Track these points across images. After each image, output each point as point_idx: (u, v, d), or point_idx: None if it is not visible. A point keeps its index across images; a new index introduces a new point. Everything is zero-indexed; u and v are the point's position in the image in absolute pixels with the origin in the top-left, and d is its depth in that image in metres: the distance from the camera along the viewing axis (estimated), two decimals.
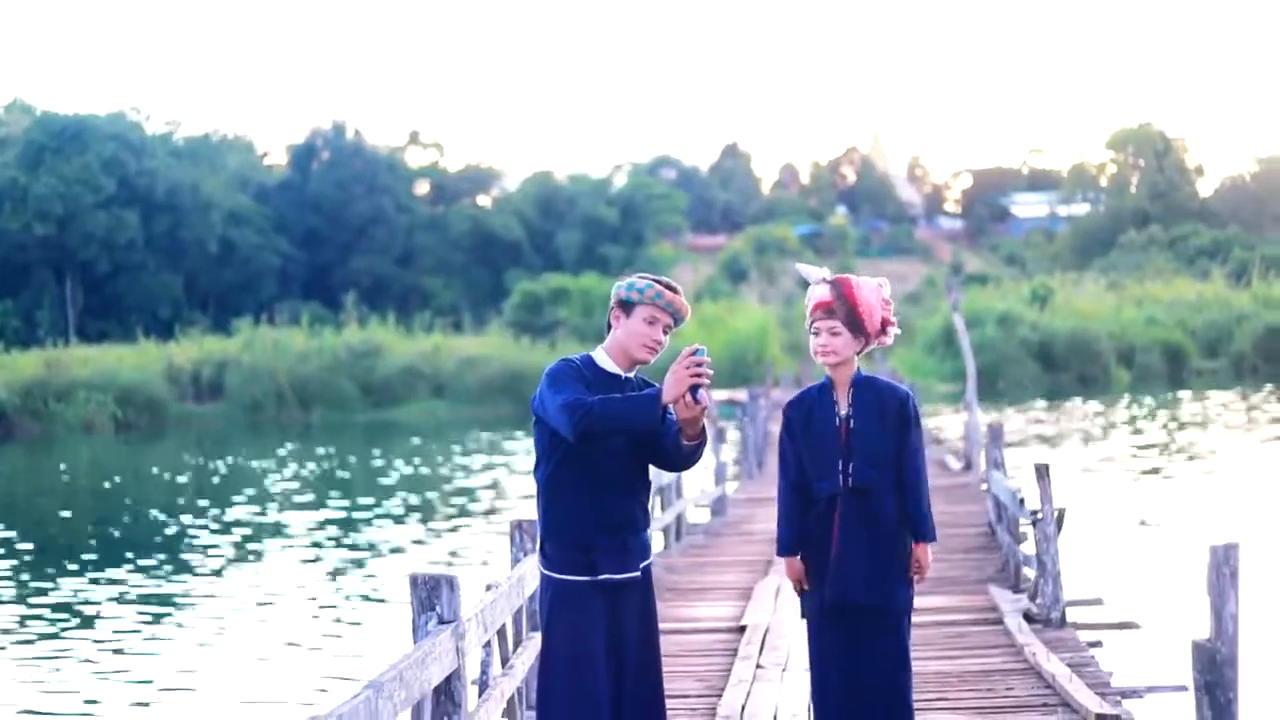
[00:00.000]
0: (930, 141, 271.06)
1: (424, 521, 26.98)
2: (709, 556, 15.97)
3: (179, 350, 64.87)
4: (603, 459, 5.96)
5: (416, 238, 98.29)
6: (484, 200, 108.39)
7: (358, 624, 17.21)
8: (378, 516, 27.97)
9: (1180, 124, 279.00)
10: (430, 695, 6.35)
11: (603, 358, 6.09)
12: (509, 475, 35.22)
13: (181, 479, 37.74)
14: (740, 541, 16.96)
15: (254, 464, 41.41)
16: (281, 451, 45.84)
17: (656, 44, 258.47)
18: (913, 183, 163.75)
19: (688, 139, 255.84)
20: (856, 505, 6.63)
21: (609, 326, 6.13)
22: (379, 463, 40.75)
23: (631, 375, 6.10)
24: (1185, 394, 56.15)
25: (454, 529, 25.29)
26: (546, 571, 6.13)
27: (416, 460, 41.17)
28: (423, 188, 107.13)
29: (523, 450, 42.04)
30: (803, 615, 6.88)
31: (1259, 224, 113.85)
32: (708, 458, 20.97)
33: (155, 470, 40.98)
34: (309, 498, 32.15)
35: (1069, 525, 17.48)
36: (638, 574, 6.10)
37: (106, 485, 37.06)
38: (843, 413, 6.66)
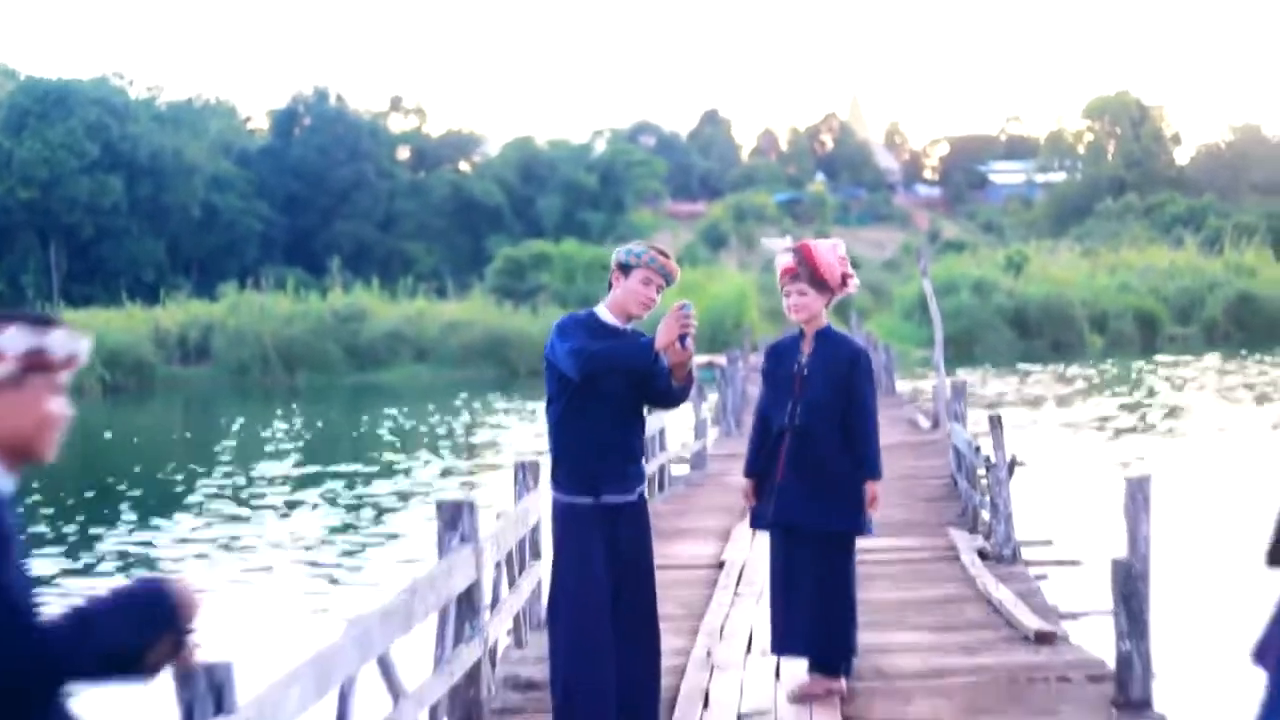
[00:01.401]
0: (909, 109, 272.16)
1: (442, 473, 28.21)
2: (690, 504, 17.03)
3: (165, 314, 65.68)
4: (605, 398, 6.99)
5: (398, 203, 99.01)
6: (465, 166, 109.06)
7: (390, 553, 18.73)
8: (393, 471, 29.14)
9: (1157, 92, 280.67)
10: (454, 602, 7.42)
11: (604, 313, 7.11)
12: (507, 430, 36.39)
13: (190, 435, 38.67)
14: (719, 491, 18.01)
15: (262, 424, 42.39)
16: (280, 411, 46.85)
17: (637, 10, 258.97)
18: (891, 150, 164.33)
19: (667, 105, 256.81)
20: (799, 442, 7.84)
21: (610, 286, 7.16)
22: (389, 422, 41.81)
23: (628, 328, 7.12)
24: (1164, 358, 57.26)
25: (469, 473, 26.81)
26: (557, 494, 7.16)
27: (429, 417, 42.26)
28: (404, 153, 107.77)
29: (517, 410, 43.16)
30: (750, 526, 8.28)
31: (1235, 191, 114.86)
32: (689, 415, 22.06)
33: (167, 430, 41.86)
34: (325, 453, 33.21)
35: (1031, 476, 18.61)
36: (634, 498, 7.15)
37: (108, 438, 38.00)
38: (802, 361, 7.76)
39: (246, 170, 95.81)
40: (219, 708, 4.59)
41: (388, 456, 31.94)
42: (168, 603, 3.37)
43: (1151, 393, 42.68)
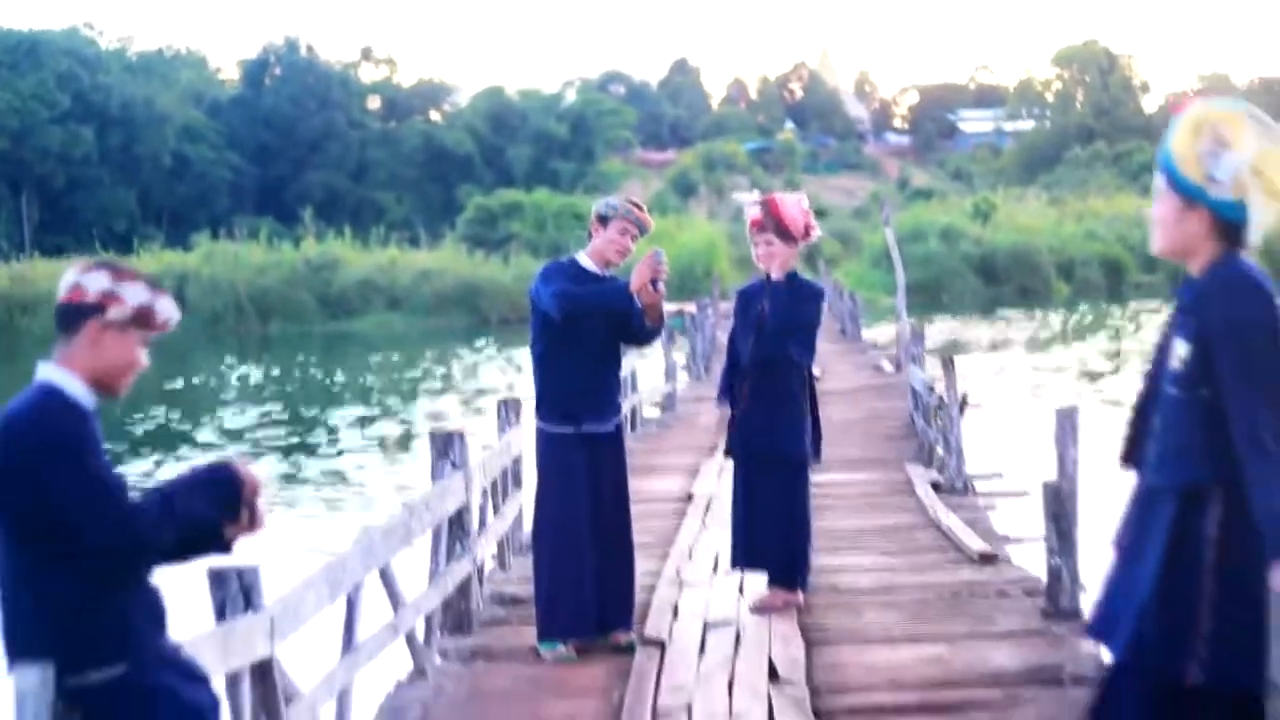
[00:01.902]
0: (878, 58, 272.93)
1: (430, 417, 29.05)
2: (661, 443, 17.79)
3: (139, 264, 65.83)
4: (584, 337, 7.76)
5: (369, 153, 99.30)
6: (436, 116, 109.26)
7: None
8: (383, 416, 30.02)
9: (1125, 41, 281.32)
10: (446, 523, 8.18)
11: (585, 260, 7.90)
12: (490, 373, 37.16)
13: (180, 384, 39.28)
14: (688, 431, 18.78)
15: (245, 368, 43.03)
16: (264, 359, 47.51)
17: None
18: (861, 99, 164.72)
19: (637, 54, 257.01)
20: (761, 375, 8.60)
21: (590, 236, 7.94)
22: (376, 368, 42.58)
23: (607, 274, 7.88)
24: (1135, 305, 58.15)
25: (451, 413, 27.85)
26: (541, 425, 7.93)
27: (417, 363, 43.07)
28: (375, 103, 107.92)
29: (490, 357, 43.95)
30: (724, 454, 9.01)
31: None
32: (660, 359, 22.81)
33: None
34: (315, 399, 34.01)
35: (988, 415, 19.41)
36: (612, 428, 7.96)
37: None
38: (766, 304, 8.51)
39: (217, 120, 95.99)
40: (248, 605, 5.31)
41: (379, 399, 32.95)
42: (234, 481, 4.13)
43: (1117, 335, 43.60)
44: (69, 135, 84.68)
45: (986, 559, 9.97)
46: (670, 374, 22.57)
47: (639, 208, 8.01)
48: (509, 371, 38.50)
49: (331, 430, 27.93)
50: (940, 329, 46.98)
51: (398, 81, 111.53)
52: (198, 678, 4.30)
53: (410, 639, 7.60)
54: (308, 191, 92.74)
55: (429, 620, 8.12)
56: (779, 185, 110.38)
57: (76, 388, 4.06)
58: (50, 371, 4.07)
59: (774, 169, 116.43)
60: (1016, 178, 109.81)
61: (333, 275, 64.75)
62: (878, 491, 13.53)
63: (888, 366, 27.50)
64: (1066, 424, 8.61)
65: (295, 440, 26.54)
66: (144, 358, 4.18)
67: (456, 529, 8.42)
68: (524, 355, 42.48)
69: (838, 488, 13.54)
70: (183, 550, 4.20)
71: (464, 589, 8.53)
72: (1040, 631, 8.13)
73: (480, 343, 50.32)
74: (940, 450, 14.44)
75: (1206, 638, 4.02)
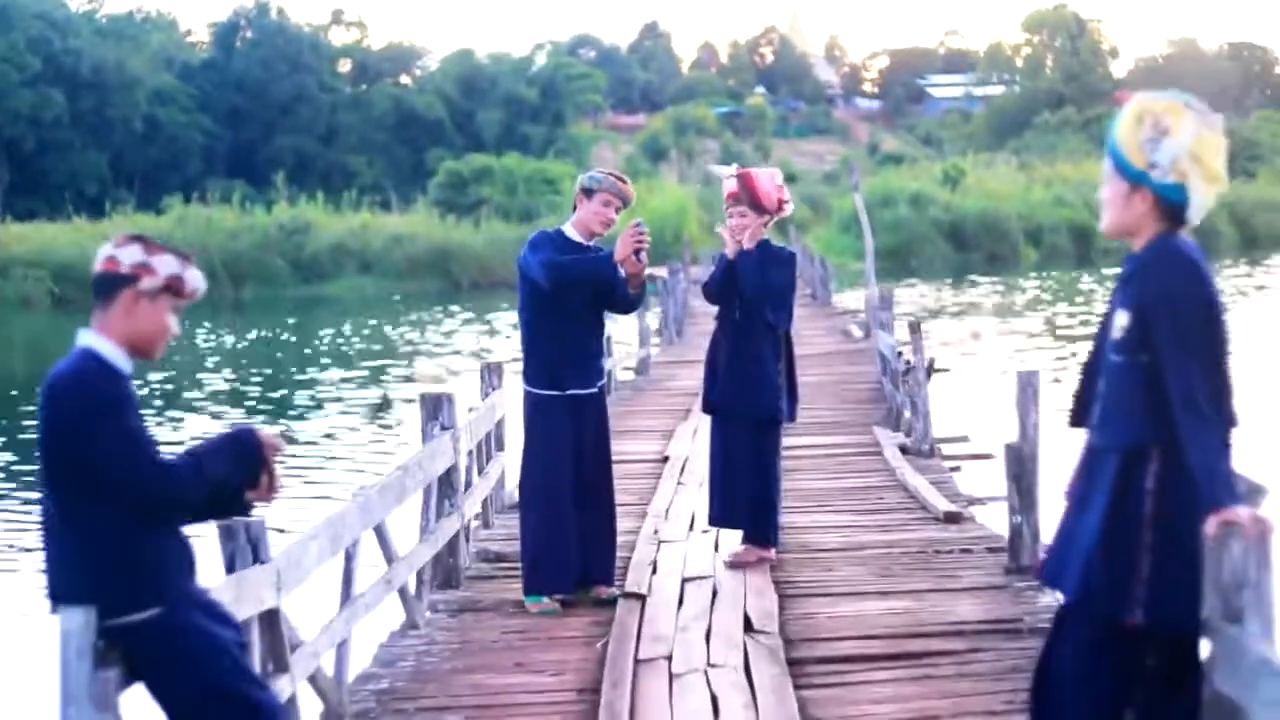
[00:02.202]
0: (848, 22, 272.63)
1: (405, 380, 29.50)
2: (636, 406, 18.18)
3: (113, 227, 65.75)
4: (570, 304, 8.15)
5: (339, 116, 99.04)
6: (406, 79, 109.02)
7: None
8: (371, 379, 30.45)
9: (1095, 6, 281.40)
10: (436, 482, 8.56)
11: (570, 231, 8.28)
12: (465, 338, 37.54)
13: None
14: (662, 395, 19.17)
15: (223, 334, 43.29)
16: (240, 322, 47.73)
17: None
18: (831, 63, 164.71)
19: (607, 18, 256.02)
20: (735, 337, 9.04)
21: (574, 208, 8.32)
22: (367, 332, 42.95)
23: (591, 243, 8.25)
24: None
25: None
26: (528, 388, 8.33)
27: (396, 326, 43.39)
28: (345, 66, 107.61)
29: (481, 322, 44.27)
30: (703, 409, 9.59)
31: None
32: (634, 324, 23.19)
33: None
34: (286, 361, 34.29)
35: (956, 380, 19.83)
36: (595, 390, 8.38)
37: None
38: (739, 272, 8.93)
39: (188, 84, 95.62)
40: (256, 557, 5.67)
41: (364, 363, 33.47)
42: (257, 444, 4.53)
43: (1087, 302, 44.10)
44: (40, 98, 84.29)
45: (951, 518, 10.40)
46: (644, 338, 22.97)
47: (622, 180, 8.40)
48: (487, 337, 38.94)
49: (314, 393, 28.51)
50: (909, 294, 47.47)
51: (368, 45, 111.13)
52: (225, 618, 4.68)
53: (403, 592, 7.98)
54: (278, 155, 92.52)
55: (420, 575, 8.51)
56: (749, 150, 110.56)
57: (113, 352, 4.44)
58: (89, 338, 4.45)
59: (744, 133, 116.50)
60: (986, 143, 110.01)
61: (305, 239, 64.84)
62: (847, 454, 13.95)
63: (857, 332, 27.90)
64: (1027, 387, 9.03)
65: (274, 404, 26.95)
66: (175, 325, 4.56)
67: (445, 488, 8.81)
68: (498, 319, 43.17)
69: (808, 450, 13.95)
70: (209, 509, 4.60)
71: (452, 545, 8.93)
72: (1002, 586, 8.56)
73: (454, 308, 50.68)
74: (908, 414, 14.87)
75: (1146, 583, 4.41)
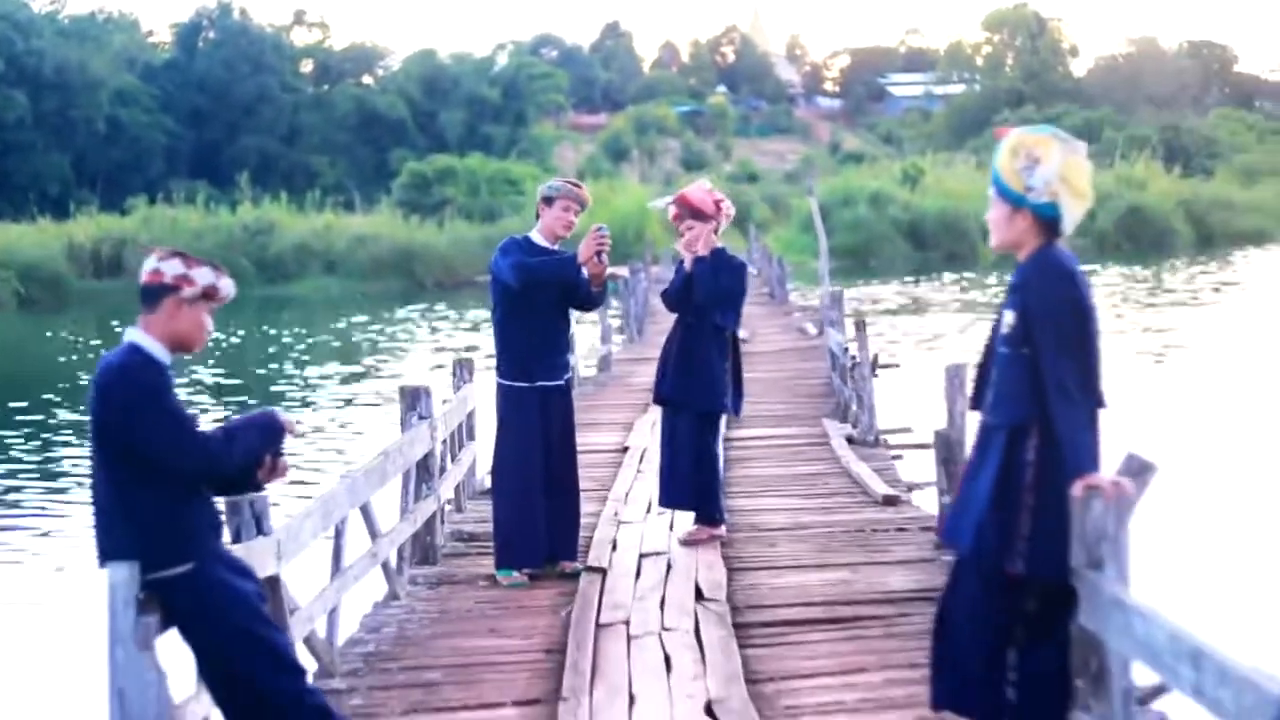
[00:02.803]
0: (809, 21, 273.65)
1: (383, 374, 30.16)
2: (598, 400, 18.98)
3: (78, 228, 66.33)
4: (538, 303, 8.98)
5: (301, 117, 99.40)
6: (368, 80, 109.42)
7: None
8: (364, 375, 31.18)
9: (1055, 4, 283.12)
10: (414, 467, 9.37)
11: (536, 236, 9.12)
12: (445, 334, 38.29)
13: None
14: (623, 391, 19.97)
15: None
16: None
17: None
18: (792, 62, 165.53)
19: (569, 17, 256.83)
20: (685, 336, 9.90)
21: (538, 215, 9.15)
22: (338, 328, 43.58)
23: (556, 246, 9.07)
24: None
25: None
26: (500, 380, 9.14)
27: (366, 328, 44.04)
28: (307, 67, 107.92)
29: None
30: (653, 401, 10.46)
31: (1131, 104, 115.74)
32: (596, 323, 23.99)
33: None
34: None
35: (905, 375, 20.66)
36: (561, 382, 9.21)
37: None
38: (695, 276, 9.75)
39: (151, 84, 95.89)
40: (259, 530, 6.44)
41: (335, 359, 34.32)
42: (280, 426, 5.36)
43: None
44: (2, 99, 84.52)
45: (889, 501, 11.25)
46: (606, 336, 23.78)
47: (577, 186, 9.25)
48: (458, 334, 39.69)
49: (301, 386, 29.45)
50: (867, 293, 48.38)
51: (330, 45, 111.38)
52: (246, 573, 5.48)
53: (386, 566, 8.79)
54: (241, 155, 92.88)
55: (401, 551, 9.33)
56: (710, 149, 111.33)
57: (155, 347, 5.26)
58: (135, 334, 5.28)
59: (705, 132, 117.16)
60: (946, 141, 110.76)
61: (269, 239, 65.29)
62: (796, 444, 14.78)
63: (812, 329, 28.72)
64: (955, 379, 9.89)
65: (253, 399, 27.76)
66: (210, 324, 5.38)
67: (423, 472, 9.64)
68: (463, 318, 43.92)
69: (761, 440, 14.82)
70: (237, 481, 5.44)
71: (430, 525, 9.77)
72: (930, 559, 9.39)
73: (421, 306, 51.45)
74: (854, 406, 15.71)
75: (1026, 539, 5.24)
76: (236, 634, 5.31)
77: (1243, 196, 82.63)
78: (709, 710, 6.63)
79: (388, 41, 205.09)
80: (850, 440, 14.52)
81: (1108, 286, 49.23)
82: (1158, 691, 5.71)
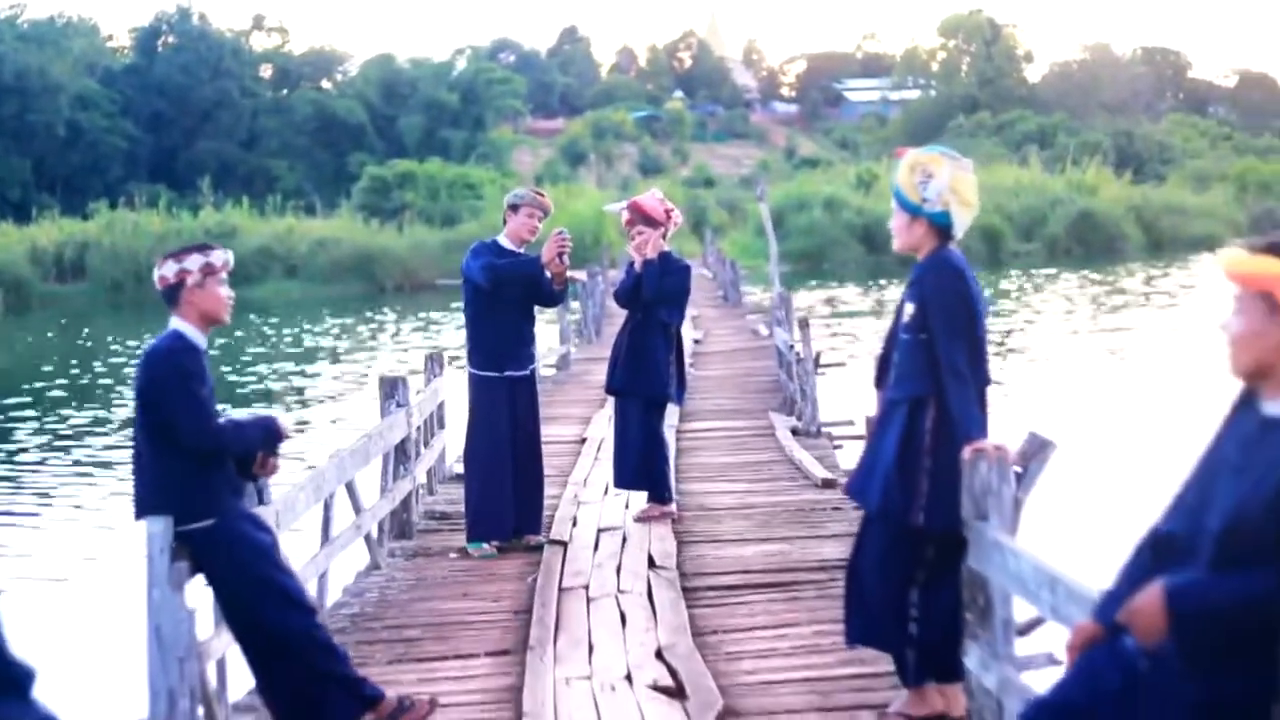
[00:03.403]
0: (766, 26, 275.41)
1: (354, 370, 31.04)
2: (558, 397, 19.87)
3: (40, 232, 66.76)
4: (506, 301, 9.93)
5: (261, 121, 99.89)
6: (327, 84, 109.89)
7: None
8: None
9: (1010, 10, 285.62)
10: (393, 450, 10.29)
11: (504, 240, 10.08)
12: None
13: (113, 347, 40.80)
14: (581, 388, 20.87)
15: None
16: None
17: None
18: (749, 67, 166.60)
19: (527, 22, 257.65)
20: (633, 331, 10.86)
21: (505, 221, 10.08)
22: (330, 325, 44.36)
23: (521, 249, 10.00)
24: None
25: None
26: (472, 370, 10.08)
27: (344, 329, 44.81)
28: (267, 72, 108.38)
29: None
30: (606, 391, 11.40)
31: (1085, 110, 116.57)
32: (555, 324, 24.89)
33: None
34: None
35: (851, 372, 21.61)
36: (527, 373, 10.15)
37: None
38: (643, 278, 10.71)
39: (111, 89, 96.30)
40: (260, 500, 7.34)
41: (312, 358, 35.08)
42: (278, 431, 6.31)
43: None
44: None
45: (827, 484, 12.21)
46: (564, 336, 24.73)
47: (540, 194, 10.22)
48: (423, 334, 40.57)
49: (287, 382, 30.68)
50: (821, 295, 49.39)
51: (289, 50, 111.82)
52: (263, 526, 6.41)
53: (368, 538, 9.72)
54: (200, 160, 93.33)
55: (381, 525, 10.24)
56: (667, 154, 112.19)
57: (192, 331, 6.21)
58: (176, 323, 6.22)
59: (662, 137, 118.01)
60: (902, 146, 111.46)
61: (230, 243, 65.21)
62: (744, 435, 15.75)
63: (764, 330, 29.69)
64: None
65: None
66: (228, 290, 6.28)
67: (400, 455, 10.58)
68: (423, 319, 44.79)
69: (711, 432, 15.81)
70: (238, 465, 6.38)
71: (406, 503, 10.72)
72: None
73: (386, 309, 52.33)
74: (799, 400, 16.68)
75: (925, 495, 6.20)
76: (254, 578, 6.22)
77: (1194, 202, 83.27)
78: (659, 655, 7.57)
79: (346, 46, 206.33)
80: (795, 431, 15.48)
81: (1066, 291, 50.29)
82: (1035, 624, 6.65)
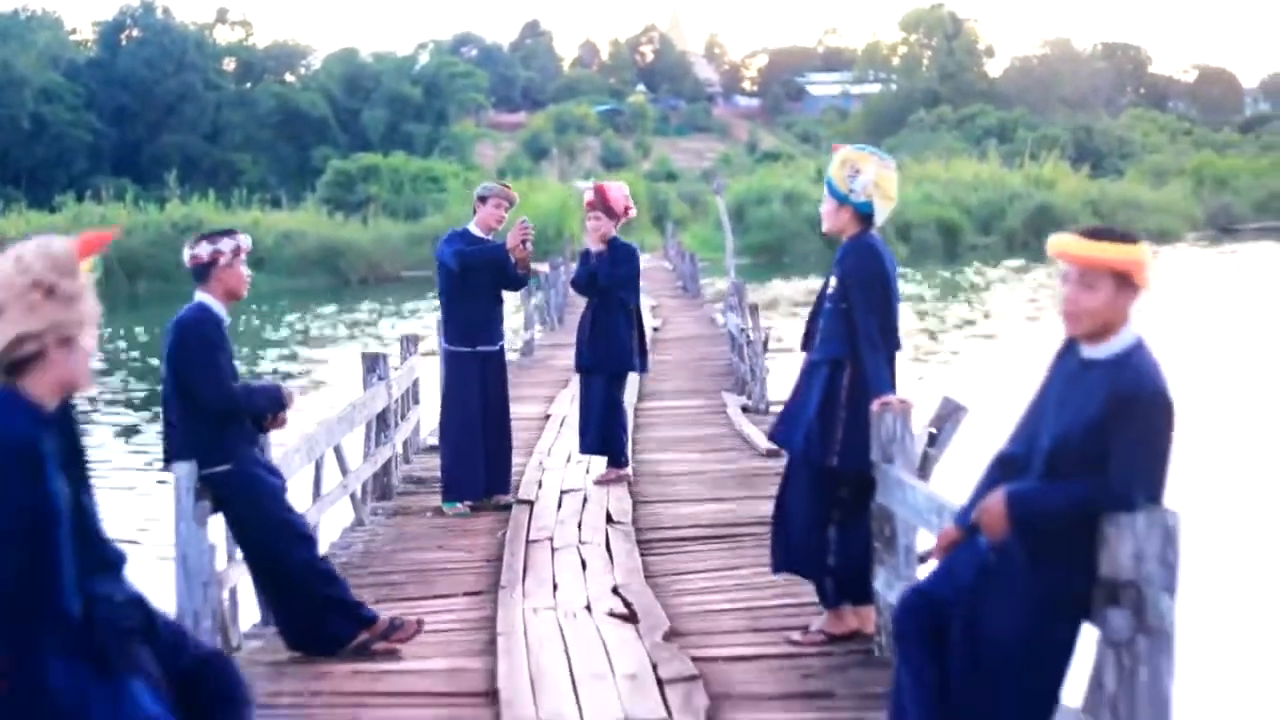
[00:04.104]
0: (728, 21, 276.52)
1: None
2: (522, 379, 20.90)
3: (8, 224, 67.14)
4: (476, 283, 10.96)
5: (225, 114, 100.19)
6: (290, 78, 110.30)
7: None
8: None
9: (971, 5, 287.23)
10: (374, 418, 11.33)
11: (474, 228, 11.12)
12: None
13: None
14: (545, 371, 21.94)
15: None
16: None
17: None
18: (711, 61, 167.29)
19: (489, 16, 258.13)
20: (595, 312, 11.91)
21: (474, 211, 11.09)
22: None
23: (489, 237, 11.03)
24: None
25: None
26: (446, 346, 11.12)
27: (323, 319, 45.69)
28: (230, 65, 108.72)
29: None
30: (574, 369, 12.38)
31: (1045, 104, 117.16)
32: (519, 311, 25.91)
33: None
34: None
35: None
36: (497, 348, 11.17)
37: None
38: (593, 264, 11.75)
39: (75, 82, 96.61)
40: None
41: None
42: (282, 397, 7.31)
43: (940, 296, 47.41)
44: None
45: (772, 453, 13.22)
46: (529, 323, 25.83)
47: (506, 186, 11.29)
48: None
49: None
50: (782, 288, 50.41)
51: (253, 43, 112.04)
52: (275, 471, 7.43)
53: (353, 498, 10.76)
54: (164, 153, 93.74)
55: (364, 487, 11.27)
56: (629, 148, 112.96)
57: (215, 304, 7.22)
58: (201, 296, 7.22)
59: (625, 131, 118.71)
60: (863, 140, 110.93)
61: None
62: (698, 412, 16.86)
63: (720, 319, 30.78)
64: None
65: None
66: (248, 270, 7.30)
67: (381, 423, 11.62)
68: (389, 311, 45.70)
69: (668, 410, 16.91)
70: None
71: (387, 467, 11.76)
72: None
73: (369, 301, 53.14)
74: (750, 380, 17.76)
75: (840, 442, 7.26)
76: (266, 514, 7.25)
77: (1151, 196, 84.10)
78: (615, 591, 8.63)
79: (310, 40, 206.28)
80: (745, 409, 16.57)
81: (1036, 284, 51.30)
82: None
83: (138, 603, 4.25)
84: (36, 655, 3.83)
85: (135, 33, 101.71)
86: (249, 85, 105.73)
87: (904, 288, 49.91)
